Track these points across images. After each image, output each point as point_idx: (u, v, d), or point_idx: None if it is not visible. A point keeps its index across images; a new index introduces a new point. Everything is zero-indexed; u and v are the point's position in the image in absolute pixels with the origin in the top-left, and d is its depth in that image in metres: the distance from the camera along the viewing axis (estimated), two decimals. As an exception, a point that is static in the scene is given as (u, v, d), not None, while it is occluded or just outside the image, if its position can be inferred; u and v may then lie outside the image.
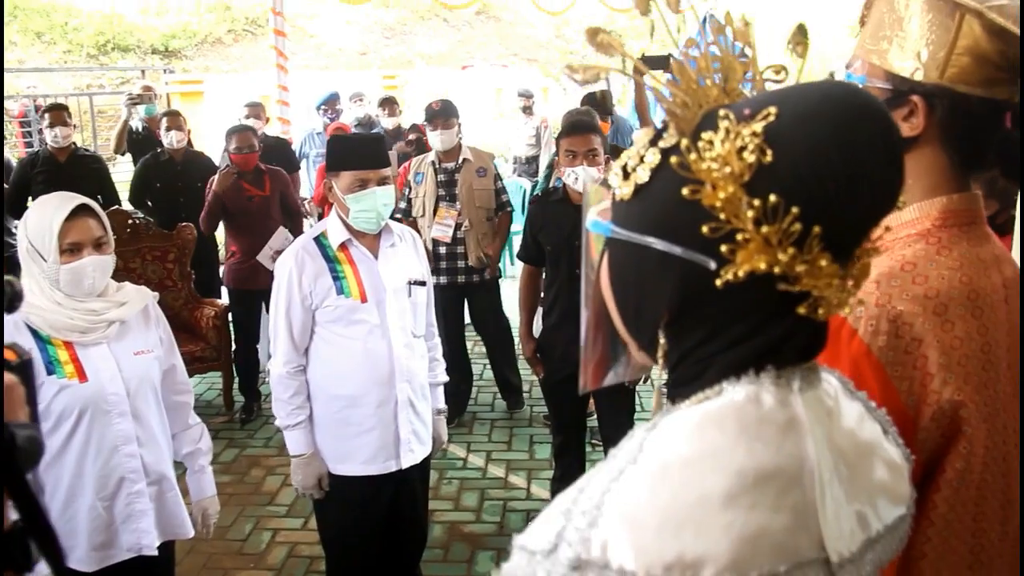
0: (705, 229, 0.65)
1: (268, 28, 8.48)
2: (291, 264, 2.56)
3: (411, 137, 5.76)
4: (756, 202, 0.64)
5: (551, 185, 4.63)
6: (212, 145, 6.90)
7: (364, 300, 2.56)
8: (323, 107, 7.16)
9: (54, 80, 14.44)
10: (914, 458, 0.83)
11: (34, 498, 0.62)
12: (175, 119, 5.39)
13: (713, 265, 0.66)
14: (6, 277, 0.69)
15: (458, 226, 4.62)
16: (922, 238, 1.12)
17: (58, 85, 14.05)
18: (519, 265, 3.90)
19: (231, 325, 5.12)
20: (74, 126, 5.59)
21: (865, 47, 1.17)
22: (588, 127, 3.48)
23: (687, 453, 0.66)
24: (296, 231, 4.98)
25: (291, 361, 2.58)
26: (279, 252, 4.33)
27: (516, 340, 4.93)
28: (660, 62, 4.74)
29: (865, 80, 1.15)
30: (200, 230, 5.02)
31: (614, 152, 5.61)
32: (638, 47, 17.75)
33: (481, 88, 12.40)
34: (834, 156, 0.64)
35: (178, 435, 2.43)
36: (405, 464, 2.66)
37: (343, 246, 2.60)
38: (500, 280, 4.96)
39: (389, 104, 7.10)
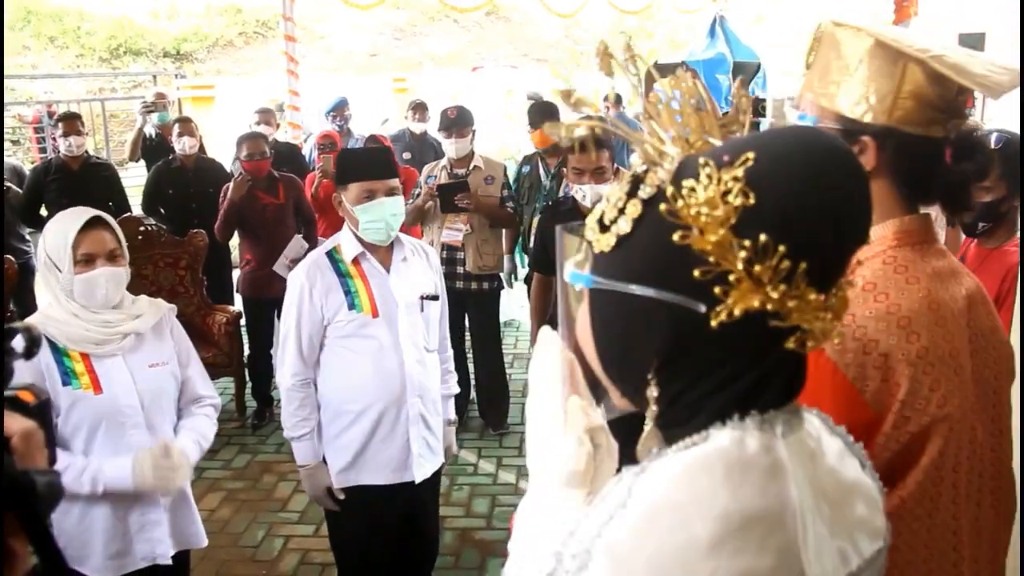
0: (697, 273, 0.68)
1: (278, 31, 8.52)
2: (303, 278, 2.57)
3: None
4: (747, 243, 0.67)
5: (561, 195, 4.62)
6: (224, 150, 6.93)
7: (375, 315, 2.56)
8: (332, 114, 7.15)
9: (67, 85, 14.54)
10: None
11: (54, 543, 0.64)
12: (187, 125, 5.42)
13: (703, 308, 0.69)
14: (25, 324, 0.71)
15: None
16: (878, 258, 1.20)
17: (71, 90, 14.14)
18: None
19: (244, 331, 5.15)
20: (87, 134, 5.63)
21: (814, 89, 1.28)
22: (596, 144, 3.47)
23: (674, 498, 0.68)
24: (310, 238, 4.98)
25: (298, 374, 2.59)
26: (295, 261, 4.33)
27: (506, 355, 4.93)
28: (672, 69, 4.73)
29: (817, 121, 1.27)
30: (213, 237, 5.04)
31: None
32: (648, 47, 17.72)
33: (491, 90, 12.40)
34: (814, 196, 0.68)
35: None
36: (417, 478, 2.67)
37: (355, 260, 2.60)
38: (502, 292, 4.89)
39: (420, 109, 7.06)
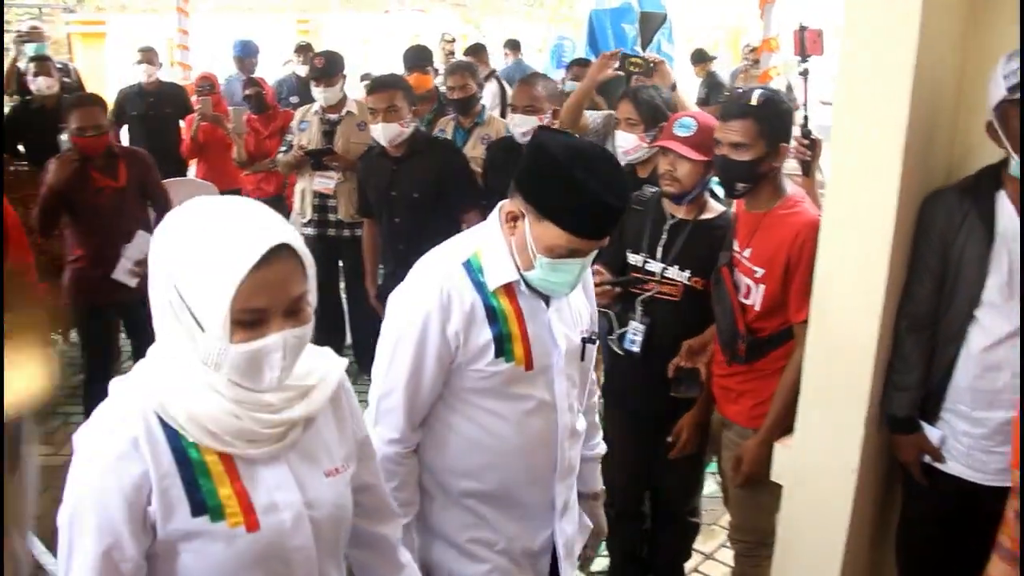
0: None
1: (176, -36, 8.21)
2: (433, 304, 1.70)
3: (248, 92, 5.43)
4: None
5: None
6: (115, 90, 6.62)
7: (529, 368, 1.75)
8: (244, 58, 6.62)
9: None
10: None
11: None
12: (44, 65, 5.21)
13: None
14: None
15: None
16: None
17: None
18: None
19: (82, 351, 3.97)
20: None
21: None
22: (388, 84, 3.74)
23: None
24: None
25: (405, 440, 1.78)
26: (140, 263, 3.54)
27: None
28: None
29: None
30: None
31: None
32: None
33: (401, 33, 12.20)
34: None
35: None
36: None
37: (508, 287, 1.74)
38: None
39: (304, 51, 6.87)
